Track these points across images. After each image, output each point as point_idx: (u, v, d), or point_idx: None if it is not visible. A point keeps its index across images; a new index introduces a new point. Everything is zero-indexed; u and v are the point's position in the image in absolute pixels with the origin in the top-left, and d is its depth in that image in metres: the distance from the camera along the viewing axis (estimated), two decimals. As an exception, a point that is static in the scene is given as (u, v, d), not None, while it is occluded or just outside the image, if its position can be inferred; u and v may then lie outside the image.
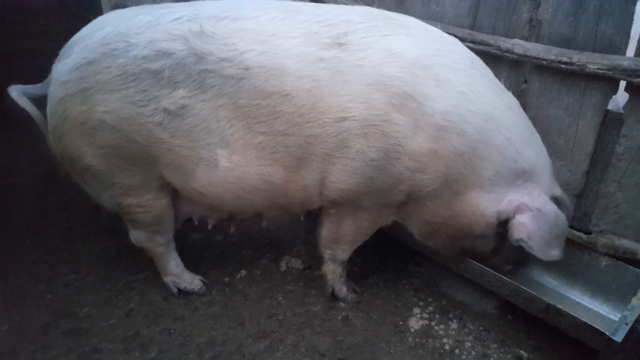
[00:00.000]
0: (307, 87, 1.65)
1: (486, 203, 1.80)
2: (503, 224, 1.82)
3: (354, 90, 1.65)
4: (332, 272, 2.17)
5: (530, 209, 1.76)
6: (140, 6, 1.91)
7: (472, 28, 2.30)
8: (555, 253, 1.77)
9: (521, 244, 1.75)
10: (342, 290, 2.20)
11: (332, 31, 1.68)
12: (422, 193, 1.80)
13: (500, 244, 1.94)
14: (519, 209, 1.77)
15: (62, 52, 1.83)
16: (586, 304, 2.09)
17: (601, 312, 2.05)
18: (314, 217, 2.10)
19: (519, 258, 2.03)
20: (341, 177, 1.77)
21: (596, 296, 2.09)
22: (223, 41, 1.66)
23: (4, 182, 3.00)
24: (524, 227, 1.75)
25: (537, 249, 1.74)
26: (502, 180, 1.78)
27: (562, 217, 1.80)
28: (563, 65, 1.96)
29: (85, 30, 1.82)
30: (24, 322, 2.06)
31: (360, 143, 1.70)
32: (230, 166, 1.77)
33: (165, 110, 1.69)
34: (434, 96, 1.66)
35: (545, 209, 1.77)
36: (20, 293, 2.20)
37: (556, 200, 1.87)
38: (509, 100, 1.83)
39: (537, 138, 1.88)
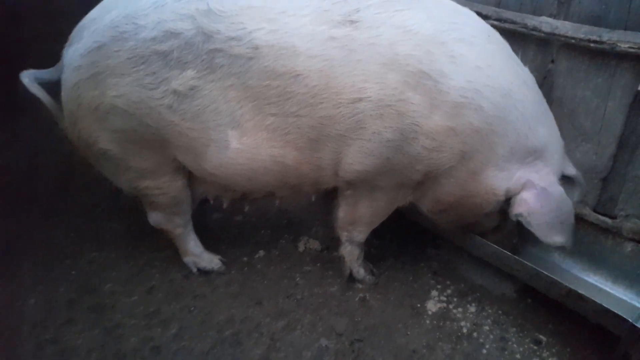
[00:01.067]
0: (318, 67, 1.61)
1: (498, 181, 1.78)
2: (508, 201, 1.82)
3: (369, 70, 1.61)
4: (350, 253, 2.17)
5: (536, 186, 1.74)
6: None
7: (498, 5, 2.22)
8: (557, 239, 1.74)
9: (520, 219, 1.74)
10: (360, 271, 2.21)
11: (343, 8, 1.63)
12: (439, 171, 1.78)
13: (502, 222, 1.94)
14: (525, 186, 1.76)
15: (72, 36, 1.82)
16: (609, 289, 2.05)
17: (624, 298, 2.01)
18: (332, 198, 2.10)
19: (516, 240, 2.07)
20: (357, 159, 1.75)
21: (620, 282, 2.05)
22: (231, 19, 1.62)
23: (30, 162, 3.06)
24: (525, 203, 1.73)
25: (537, 228, 1.73)
26: (514, 157, 1.76)
27: (568, 203, 1.78)
28: (592, 44, 1.88)
29: (94, 13, 1.80)
30: (50, 297, 2.13)
31: (376, 124, 1.67)
32: (241, 148, 1.76)
33: (175, 91, 1.67)
34: (449, 73, 1.62)
35: (551, 189, 1.76)
36: (47, 269, 2.28)
37: (569, 179, 1.85)
38: (525, 75, 1.79)
39: (550, 116, 1.85)
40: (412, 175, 1.81)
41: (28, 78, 1.84)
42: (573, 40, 1.94)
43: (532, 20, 2.05)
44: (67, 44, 1.83)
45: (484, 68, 1.66)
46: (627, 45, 1.80)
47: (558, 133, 1.86)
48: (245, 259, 2.38)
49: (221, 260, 2.30)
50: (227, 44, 1.62)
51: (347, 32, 1.61)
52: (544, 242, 1.76)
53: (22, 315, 2.05)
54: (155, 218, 2.14)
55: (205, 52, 1.63)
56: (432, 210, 1.98)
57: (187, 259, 2.27)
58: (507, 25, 2.10)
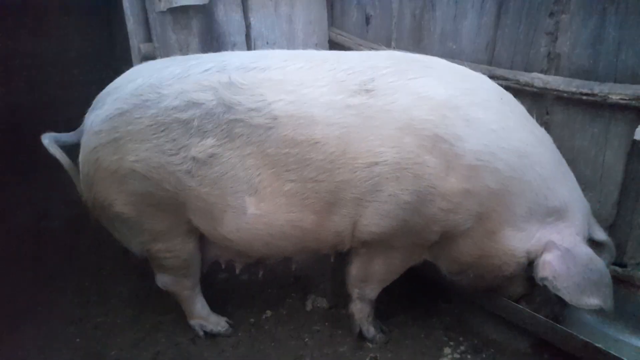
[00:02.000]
0: (336, 134, 1.67)
1: (517, 242, 1.76)
2: (532, 267, 1.76)
3: (384, 135, 1.66)
4: (360, 311, 2.13)
5: (559, 248, 1.70)
6: (170, 58, 2.00)
7: (490, 64, 2.33)
8: (592, 302, 1.66)
9: (545, 283, 1.69)
10: (370, 330, 2.16)
11: (358, 78, 1.71)
12: (456, 232, 1.78)
13: (531, 290, 1.88)
14: (546, 248, 1.72)
15: (94, 102, 1.91)
16: (627, 340, 1.99)
17: (644, 349, 1.95)
18: (339, 255, 2.09)
19: (555, 308, 1.95)
20: (374, 221, 1.76)
21: (637, 332, 1.98)
22: (251, 91, 1.70)
23: (36, 225, 3.09)
24: (549, 266, 1.69)
25: (566, 292, 1.66)
26: (533, 217, 1.74)
27: (597, 262, 1.71)
28: (585, 97, 1.95)
29: (118, 82, 1.91)
30: (54, 365, 2.09)
31: (392, 186, 1.69)
32: (259, 213, 1.78)
33: (194, 158, 1.73)
34: (464, 136, 1.66)
35: (576, 250, 1.71)
36: (51, 336, 2.24)
37: (597, 244, 1.80)
38: (541, 135, 1.82)
39: (571, 175, 1.85)
40: (428, 235, 1.81)
41: (48, 139, 1.91)
42: (566, 94, 2.01)
43: (524, 77, 2.13)
44: (89, 109, 1.91)
45: (498, 130, 1.69)
46: (618, 97, 1.87)
47: (580, 193, 1.84)
48: (252, 319, 2.33)
49: (228, 323, 2.26)
50: (247, 115, 1.69)
51: (363, 100, 1.68)
52: (576, 306, 1.69)
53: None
54: (163, 280, 2.12)
55: (225, 122, 1.70)
56: (451, 270, 1.96)
57: (194, 322, 2.23)
58: (500, 82, 2.17)
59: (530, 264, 1.77)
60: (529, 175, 1.71)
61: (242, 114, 1.69)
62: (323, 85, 1.70)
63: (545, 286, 1.70)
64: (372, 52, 1.91)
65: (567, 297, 1.67)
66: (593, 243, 1.85)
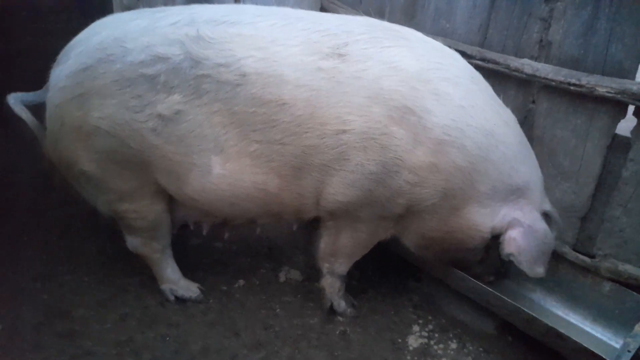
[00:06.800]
0: (305, 96, 1.64)
1: (482, 218, 1.81)
2: (493, 238, 1.85)
3: (354, 103, 1.64)
4: (331, 285, 2.14)
5: (522, 224, 1.79)
6: (137, 10, 1.91)
7: (482, 46, 2.30)
8: (540, 270, 1.81)
9: (511, 258, 1.79)
10: (341, 304, 2.17)
11: (332, 41, 1.67)
12: (421, 207, 1.79)
13: (485, 255, 1.96)
14: (511, 224, 1.80)
15: (59, 57, 1.83)
16: (588, 328, 2.06)
17: (603, 337, 2.02)
18: (314, 227, 2.08)
19: (501, 270, 2.08)
20: (339, 190, 1.76)
21: (598, 321, 2.05)
22: (220, 46, 1.64)
23: (4, 179, 2.98)
24: (514, 242, 1.78)
25: (525, 264, 1.79)
26: (497, 195, 1.79)
27: (550, 235, 1.85)
28: (572, 87, 1.96)
29: (82, 35, 1.82)
30: (17, 321, 2.04)
31: (359, 156, 1.68)
32: (224, 173, 1.75)
33: (160, 115, 1.68)
34: (433, 110, 1.65)
35: (536, 225, 1.81)
36: (16, 291, 2.18)
37: (546, 215, 1.89)
38: (507, 116, 1.85)
39: (532, 154, 1.91)
40: (393, 208, 1.81)
41: (14, 99, 1.83)
42: (553, 83, 2.01)
43: (514, 62, 2.12)
44: (55, 64, 1.82)
45: (467, 108, 1.70)
46: (604, 90, 1.87)
47: (539, 170, 1.92)
48: (224, 287, 2.32)
49: (199, 289, 2.24)
50: (215, 70, 1.63)
51: (334, 64, 1.64)
52: (528, 275, 1.82)
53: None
54: (133, 242, 2.08)
55: (192, 77, 1.64)
56: (417, 245, 1.98)
57: (164, 287, 2.20)
58: (490, 65, 2.16)
59: (492, 238, 1.85)
60: (494, 154, 1.74)
61: (210, 69, 1.63)
62: (295, 45, 1.65)
63: (510, 260, 1.81)
64: (349, 17, 1.86)
65: (524, 268, 1.80)
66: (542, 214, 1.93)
